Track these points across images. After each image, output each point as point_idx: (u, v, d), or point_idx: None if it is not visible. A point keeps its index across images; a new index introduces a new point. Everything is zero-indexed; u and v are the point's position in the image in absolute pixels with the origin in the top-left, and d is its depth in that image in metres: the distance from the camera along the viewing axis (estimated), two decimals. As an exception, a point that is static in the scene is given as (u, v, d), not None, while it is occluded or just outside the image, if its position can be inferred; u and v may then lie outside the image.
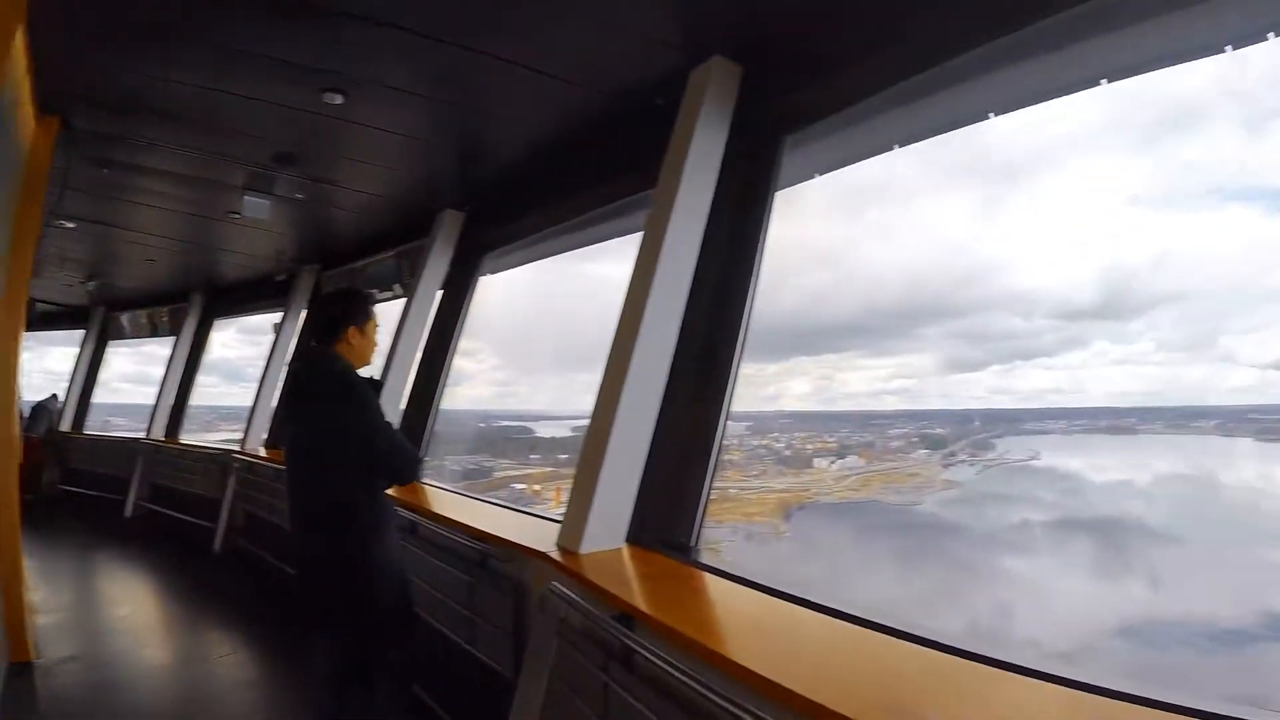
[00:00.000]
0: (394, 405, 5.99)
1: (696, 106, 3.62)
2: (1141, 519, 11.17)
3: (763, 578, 2.95)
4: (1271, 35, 2.51)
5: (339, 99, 4.29)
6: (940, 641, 2.29)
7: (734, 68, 3.68)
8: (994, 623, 9.57)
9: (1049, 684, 2.00)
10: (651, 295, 3.50)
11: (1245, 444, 11.06)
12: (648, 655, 2.41)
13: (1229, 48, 2.60)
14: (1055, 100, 3.12)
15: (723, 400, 3.58)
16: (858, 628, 2.49)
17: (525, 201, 5.56)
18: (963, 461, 12.18)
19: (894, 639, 2.37)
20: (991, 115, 3.24)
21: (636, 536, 3.52)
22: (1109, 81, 2.91)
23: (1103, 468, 12.09)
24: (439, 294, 6.44)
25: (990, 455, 12.24)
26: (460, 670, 3.95)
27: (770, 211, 3.66)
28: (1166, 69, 2.80)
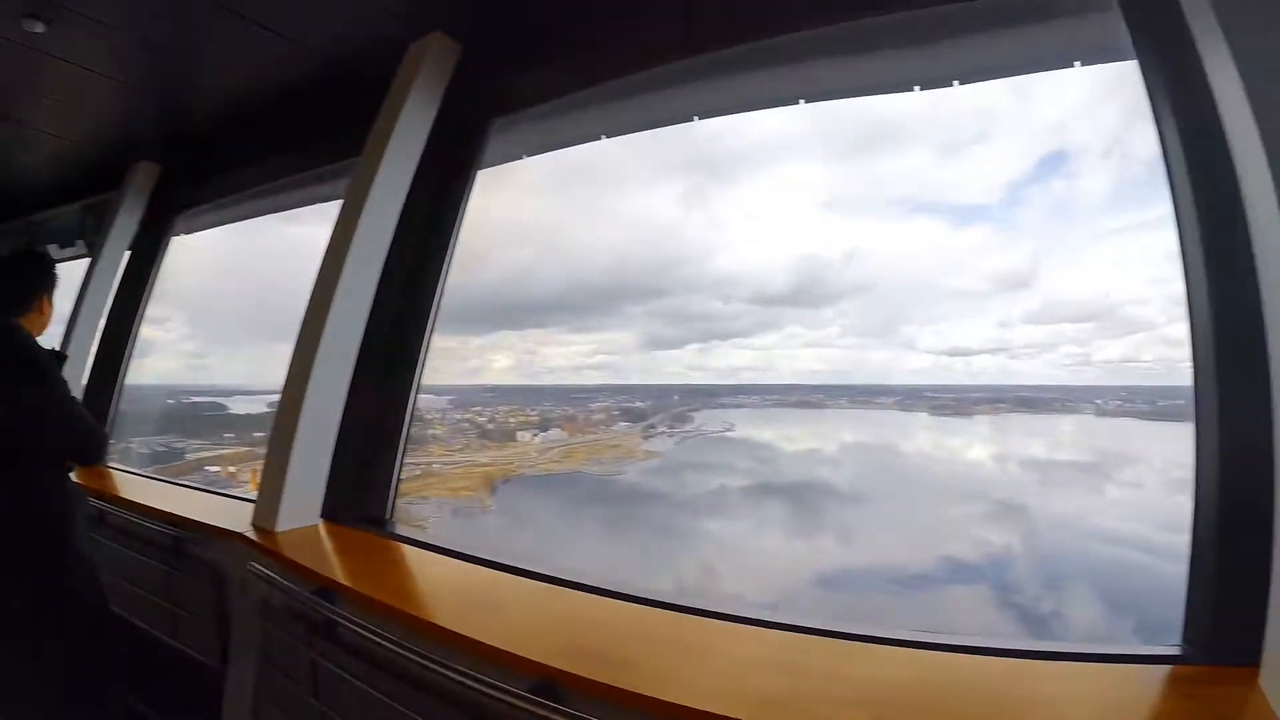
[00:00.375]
0: (75, 380, 5.39)
1: (411, 78, 3.59)
2: (830, 483, 12.27)
3: (469, 549, 3.03)
4: (956, 83, 3.04)
5: (40, 27, 3.71)
6: (651, 598, 2.50)
7: (453, 45, 3.69)
8: (701, 581, 10.14)
9: (756, 628, 2.27)
10: (347, 265, 3.44)
11: (922, 417, 12.57)
12: (351, 626, 2.46)
13: (917, 88, 3.11)
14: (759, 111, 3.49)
15: (414, 373, 3.64)
16: (566, 589, 2.65)
17: (228, 158, 5.15)
18: (662, 433, 12.68)
19: (604, 598, 2.56)
20: (695, 119, 3.54)
21: (332, 512, 3.48)
22: (806, 102, 3.32)
23: (793, 438, 13.13)
24: (127, 254, 5.80)
25: (688, 427, 12.82)
26: (165, 666, 3.67)
27: (470, 189, 3.75)
28: (860, 98, 3.27)
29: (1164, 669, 2.00)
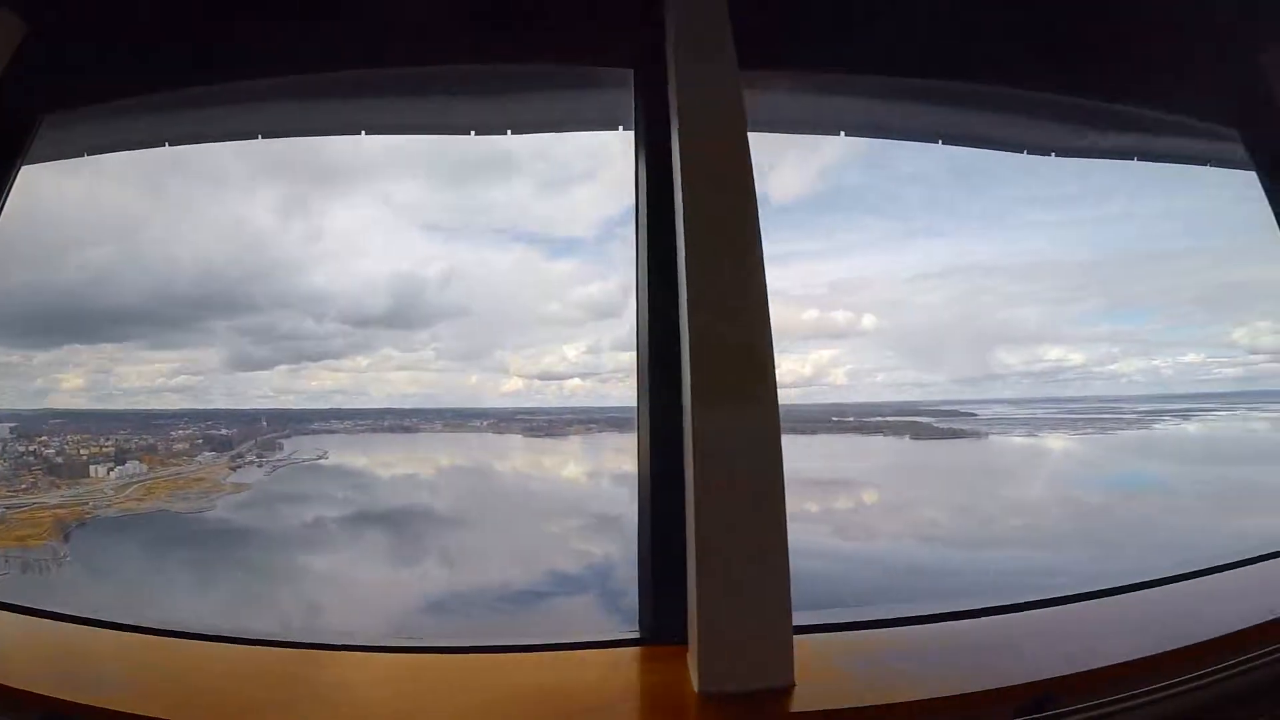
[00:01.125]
0: None
1: (-37, 54, 3.26)
2: (431, 508, 12.47)
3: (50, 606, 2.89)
4: (510, 132, 3.57)
5: None
6: (255, 638, 2.60)
7: (19, 25, 3.31)
8: (307, 618, 9.88)
9: (371, 654, 2.47)
10: None
11: (516, 439, 13.17)
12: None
13: (473, 132, 3.61)
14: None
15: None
16: (161, 638, 2.65)
17: None
18: (251, 463, 12.10)
19: (208, 643, 2.59)
20: (260, 137, 3.78)
21: None
22: (367, 133, 3.72)
23: (389, 464, 13.21)
24: None
25: (279, 456, 12.36)
26: None
27: (12, 185, 3.50)
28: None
29: (634, 650, 2.57)
